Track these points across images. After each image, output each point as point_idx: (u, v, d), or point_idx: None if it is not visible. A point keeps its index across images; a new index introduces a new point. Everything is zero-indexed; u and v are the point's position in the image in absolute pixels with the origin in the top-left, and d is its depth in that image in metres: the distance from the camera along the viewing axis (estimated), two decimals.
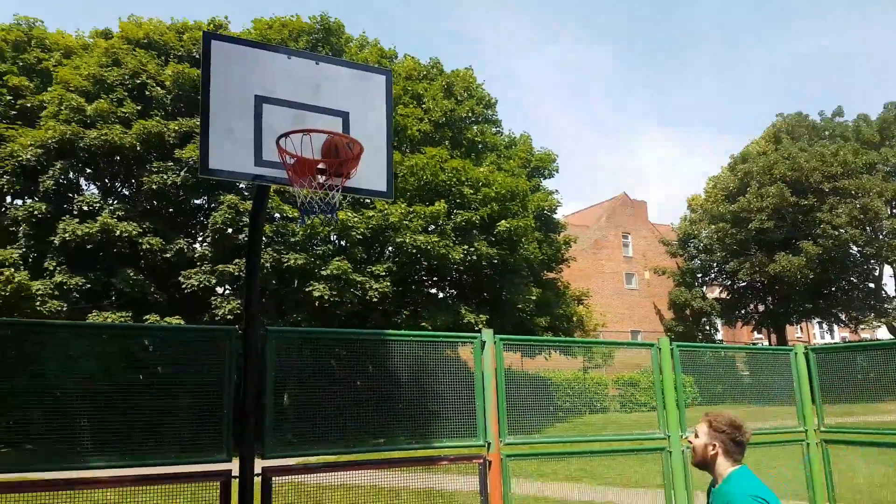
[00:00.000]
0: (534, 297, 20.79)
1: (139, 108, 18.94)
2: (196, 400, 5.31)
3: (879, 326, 37.46)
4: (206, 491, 4.81)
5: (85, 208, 17.93)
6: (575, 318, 25.55)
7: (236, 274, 17.57)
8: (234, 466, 4.75)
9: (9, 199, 19.61)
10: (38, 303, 16.55)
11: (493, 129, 24.74)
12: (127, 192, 20.24)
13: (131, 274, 17.40)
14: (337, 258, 17.70)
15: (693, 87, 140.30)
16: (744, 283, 37.20)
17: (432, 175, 19.08)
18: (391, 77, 5.35)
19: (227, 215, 17.67)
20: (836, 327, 40.25)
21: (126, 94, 19.05)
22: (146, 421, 5.06)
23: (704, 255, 38.21)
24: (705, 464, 3.14)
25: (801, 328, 50.62)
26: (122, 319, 16.50)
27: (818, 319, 39.81)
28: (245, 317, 4.88)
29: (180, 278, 17.72)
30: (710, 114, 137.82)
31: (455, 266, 19.17)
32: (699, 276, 39.54)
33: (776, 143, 36.63)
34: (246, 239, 17.44)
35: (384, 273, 18.24)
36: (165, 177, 18.17)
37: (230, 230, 17.87)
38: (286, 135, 4.34)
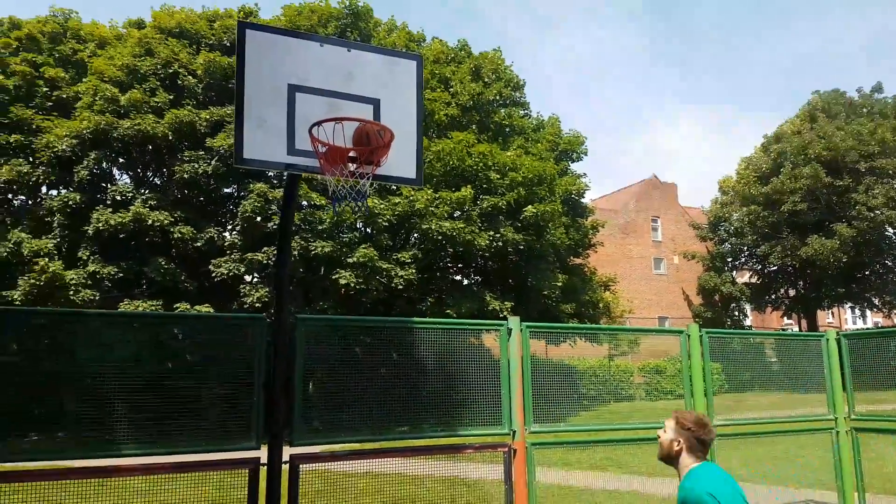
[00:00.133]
0: (560, 284, 20.68)
1: (171, 97, 19.19)
2: (226, 388, 5.37)
3: None
4: (233, 478, 4.88)
5: (118, 198, 18.26)
6: (601, 305, 25.37)
7: (265, 262, 17.77)
8: (261, 454, 4.83)
9: (44, 189, 20.04)
10: (71, 292, 16.90)
11: (521, 112, 24.51)
12: (159, 182, 20.54)
13: (163, 263, 17.69)
14: (363, 245, 17.80)
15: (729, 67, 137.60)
16: (774, 268, 36.55)
17: (459, 160, 19.02)
18: (422, 62, 5.34)
19: (256, 204, 17.85)
20: (868, 312, 39.36)
21: (158, 83, 19.30)
22: (177, 409, 5.10)
23: (735, 238, 37.58)
24: (670, 458, 3.27)
25: (832, 313, 49.68)
26: (153, 308, 16.80)
27: (850, 304, 38.98)
28: (276, 305, 4.95)
29: (210, 267, 17.97)
30: (746, 94, 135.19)
31: (480, 252, 19.14)
32: (729, 260, 38.95)
33: (812, 122, 35.65)
34: (274, 227, 17.64)
35: (410, 260, 18.30)
36: (196, 166, 18.40)
37: (259, 218, 18.06)
38: (319, 123, 4.37)
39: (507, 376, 6.00)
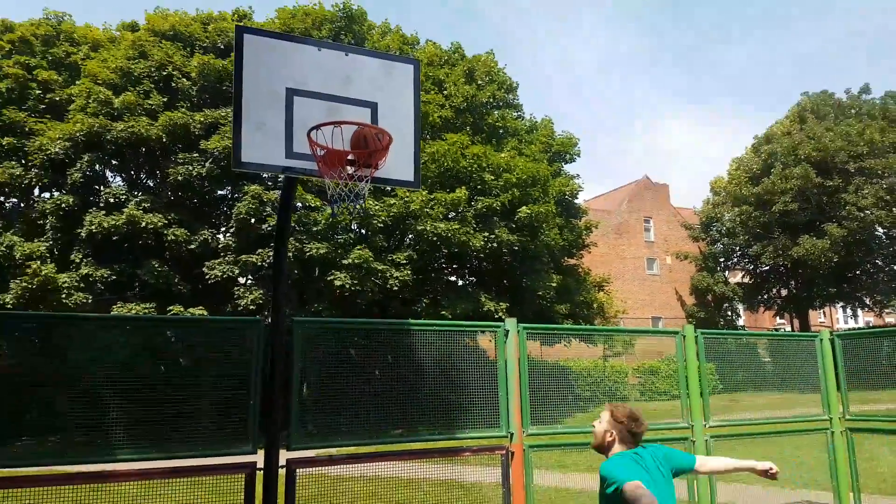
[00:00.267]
0: (554, 284, 20.72)
1: (165, 99, 19.12)
2: (222, 392, 5.34)
3: None
4: (229, 483, 4.85)
5: (111, 200, 18.16)
6: (595, 305, 25.43)
7: (259, 264, 17.73)
8: (258, 458, 4.81)
9: (37, 192, 19.93)
10: (63, 295, 16.79)
11: (514, 114, 24.58)
12: (152, 184, 20.47)
13: (156, 265, 17.62)
14: (358, 247, 17.78)
15: (722, 64, 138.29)
16: (766, 267, 36.72)
17: (453, 161, 19.04)
18: (419, 67, 5.38)
19: (250, 205, 17.80)
20: (860, 311, 39.57)
21: (152, 86, 19.23)
22: (173, 413, 5.08)
23: (727, 238, 37.75)
24: (602, 448, 3.44)
25: (824, 313, 49.90)
26: (147, 311, 16.73)
27: (842, 304, 39.22)
28: (272, 307, 4.93)
29: (204, 269, 17.91)
30: (738, 91, 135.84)
31: (475, 253, 19.16)
32: (721, 260, 39.11)
33: (801, 123, 35.90)
34: (269, 229, 17.61)
35: (405, 261, 18.29)
36: (191, 168, 18.33)
37: (253, 220, 18.02)
38: (317, 127, 4.39)
39: (504, 378, 6.00)
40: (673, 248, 43.86)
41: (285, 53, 4.74)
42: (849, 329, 38.12)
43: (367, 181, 4.56)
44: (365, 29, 22.48)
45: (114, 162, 19.80)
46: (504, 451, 5.82)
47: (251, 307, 17.37)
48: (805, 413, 7.84)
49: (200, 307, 17.53)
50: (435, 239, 18.15)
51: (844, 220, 31.80)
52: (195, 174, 18.38)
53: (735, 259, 38.86)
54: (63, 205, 17.85)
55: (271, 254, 17.34)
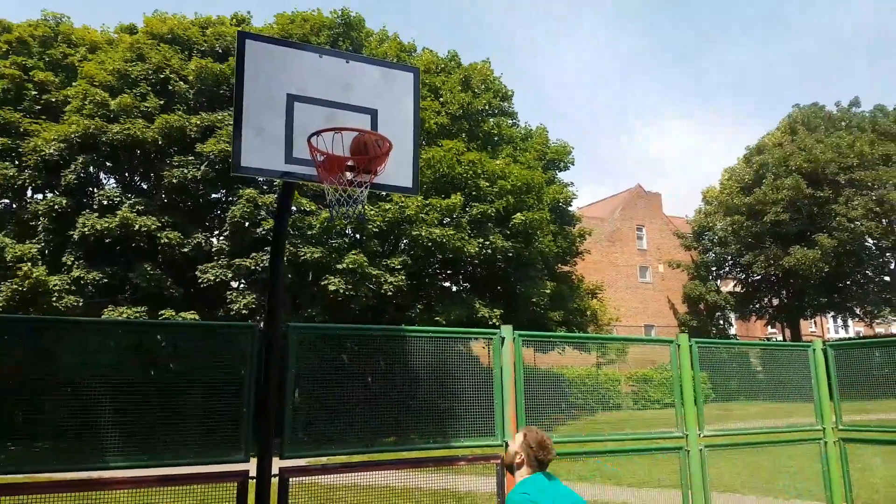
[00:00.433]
0: (548, 291, 20.74)
1: (162, 102, 19.07)
2: (215, 399, 5.20)
3: (895, 321, 37.12)
4: (221, 492, 4.77)
5: (105, 202, 18.06)
6: (589, 313, 25.47)
7: (252, 268, 17.65)
8: (250, 467, 4.75)
9: (30, 193, 19.81)
10: (54, 298, 16.67)
11: (510, 122, 24.68)
12: (146, 187, 20.37)
13: (148, 268, 17.51)
14: (353, 251, 17.74)
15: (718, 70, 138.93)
16: (758, 277, 36.94)
17: (449, 168, 19.08)
18: (418, 75, 5.40)
19: (245, 209, 17.74)
20: (850, 321, 39.83)
21: (149, 88, 19.19)
22: (164, 420, 5.01)
23: (719, 247, 38.00)
24: (510, 467, 3.60)
25: (815, 322, 50.19)
26: (138, 315, 16.60)
27: (833, 313, 39.49)
28: (267, 313, 4.89)
29: (197, 272, 17.82)
30: (738, 91, 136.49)
31: (470, 259, 19.17)
32: (713, 269, 39.32)
33: (792, 135, 36.28)
34: (263, 233, 17.53)
35: (399, 266, 18.27)
36: (186, 171, 18.26)
37: (248, 224, 17.95)
38: (318, 133, 4.42)
39: (499, 386, 5.97)
40: (665, 256, 44.02)
41: (286, 59, 4.75)
42: (839, 339, 38.35)
43: (366, 187, 4.58)
44: (363, 36, 22.53)
45: (108, 164, 19.71)
46: (499, 461, 5.78)
47: (244, 311, 17.28)
48: (798, 423, 7.85)
49: (193, 311, 17.44)
50: (430, 244, 18.14)
51: (835, 231, 32.06)
52: (190, 177, 18.30)
53: (727, 268, 39.07)
54: (56, 206, 17.74)
55: (265, 258, 17.27)
